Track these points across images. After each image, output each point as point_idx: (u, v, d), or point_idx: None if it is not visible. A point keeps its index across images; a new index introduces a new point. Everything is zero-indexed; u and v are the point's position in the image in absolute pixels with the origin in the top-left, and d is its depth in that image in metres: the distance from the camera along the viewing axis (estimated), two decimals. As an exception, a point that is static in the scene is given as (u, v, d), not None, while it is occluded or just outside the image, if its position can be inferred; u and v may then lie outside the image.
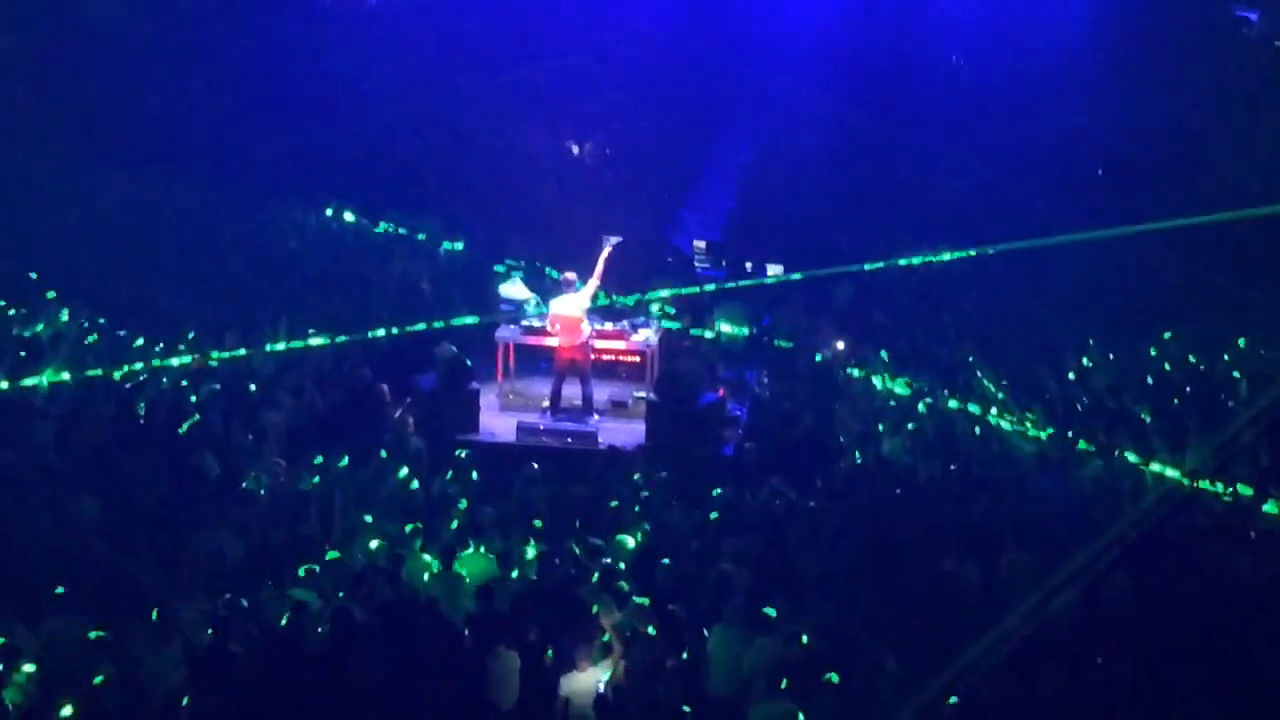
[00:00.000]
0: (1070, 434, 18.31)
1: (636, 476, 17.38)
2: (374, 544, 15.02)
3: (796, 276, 23.56)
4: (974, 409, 19.32)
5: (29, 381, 18.04)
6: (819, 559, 14.79)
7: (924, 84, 29.96)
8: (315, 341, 20.34)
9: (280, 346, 20.19)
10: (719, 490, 16.89)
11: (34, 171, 25.68)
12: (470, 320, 21.37)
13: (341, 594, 13.74)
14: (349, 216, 26.43)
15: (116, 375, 18.75)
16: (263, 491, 16.38)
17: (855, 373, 20.80)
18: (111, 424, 17.75)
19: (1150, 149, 28.11)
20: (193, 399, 18.55)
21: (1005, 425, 18.76)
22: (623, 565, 14.64)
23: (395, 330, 21.07)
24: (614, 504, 16.43)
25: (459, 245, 25.69)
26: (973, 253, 23.58)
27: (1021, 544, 14.94)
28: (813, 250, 25.92)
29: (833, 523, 15.81)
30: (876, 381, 20.67)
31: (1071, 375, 20.59)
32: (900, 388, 20.38)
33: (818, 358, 21.61)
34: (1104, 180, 27.94)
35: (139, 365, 18.98)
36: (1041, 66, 29.42)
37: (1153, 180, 27.33)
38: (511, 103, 29.94)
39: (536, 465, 17.74)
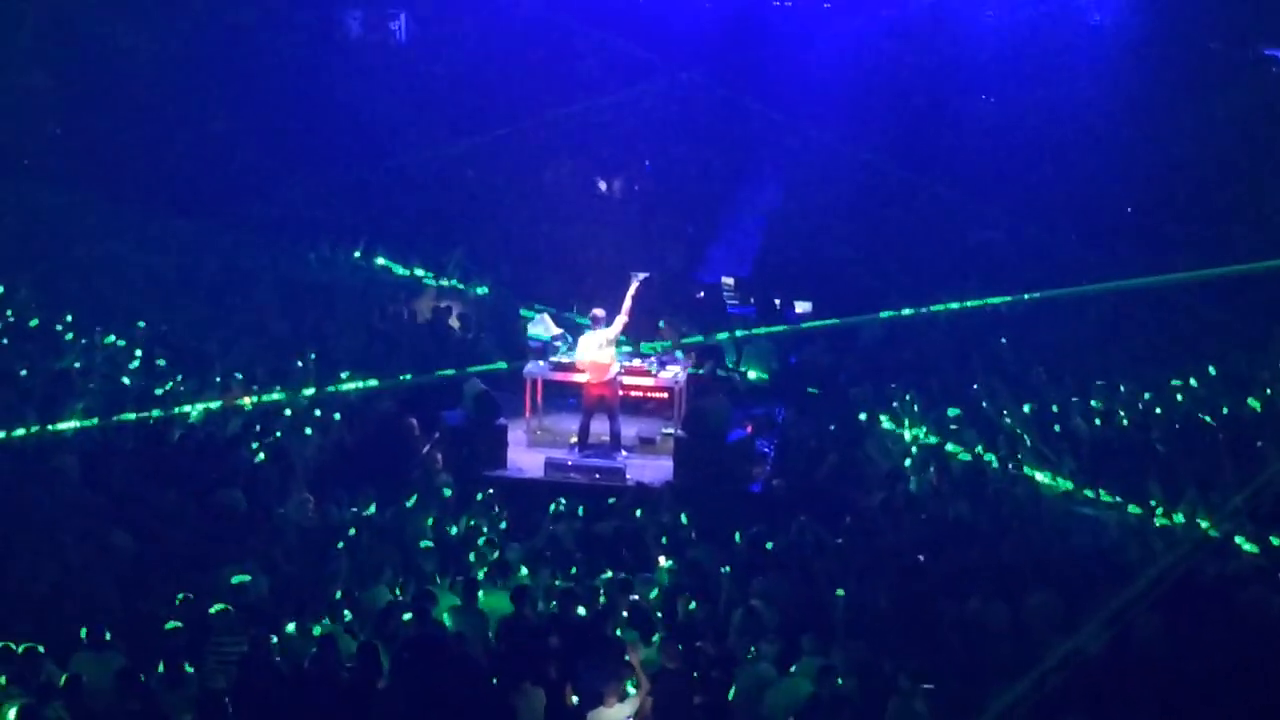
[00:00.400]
0: (1098, 477, 18.16)
1: (664, 513, 17.35)
2: (401, 580, 15.02)
3: (834, 322, 23.49)
4: (1003, 448, 19.18)
5: (60, 426, 18.02)
6: (848, 597, 14.71)
7: (953, 125, 29.93)
8: (346, 385, 20.38)
9: (310, 390, 20.22)
10: (747, 528, 16.83)
11: (61, 207, 25.84)
12: (499, 365, 21.35)
13: (367, 630, 13.73)
14: (378, 252, 26.41)
15: (151, 417, 18.76)
16: (290, 527, 16.40)
17: (884, 418, 20.65)
18: (139, 458, 17.81)
19: (1177, 188, 28.01)
20: (222, 434, 18.61)
21: (1036, 472, 18.53)
22: (650, 602, 14.60)
23: (424, 373, 21.24)
24: (642, 540, 16.39)
25: (484, 289, 25.63)
26: (1003, 299, 23.60)
27: (1050, 584, 14.85)
28: (841, 288, 25.94)
29: (861, 561, 15.75)
30: (905, 419, 20.55)
31: (1098, 421, 20.35)
32: (929, 426, 20.26)
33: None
34: (1133, 220, 27.81)
35: (158, 413, 18.88)
36: (1069, 107, 29.35)
37: (1181, 220, 27.25)
38: (541, 139, 30.01)
39: (564, 501, 17.74)
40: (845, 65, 29.67)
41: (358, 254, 26.32)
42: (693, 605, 14.37)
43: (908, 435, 20.18)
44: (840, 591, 14.67)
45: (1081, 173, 28.04)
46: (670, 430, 20.32)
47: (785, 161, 30.39)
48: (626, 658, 13.11)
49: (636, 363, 20.71)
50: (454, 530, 16.90)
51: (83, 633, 13.08)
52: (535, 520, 17.31)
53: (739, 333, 23.52)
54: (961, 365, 22.71)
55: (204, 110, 28.58)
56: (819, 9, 31.84)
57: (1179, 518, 16.78)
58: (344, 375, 20.73)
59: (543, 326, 21.18)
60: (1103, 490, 17.76)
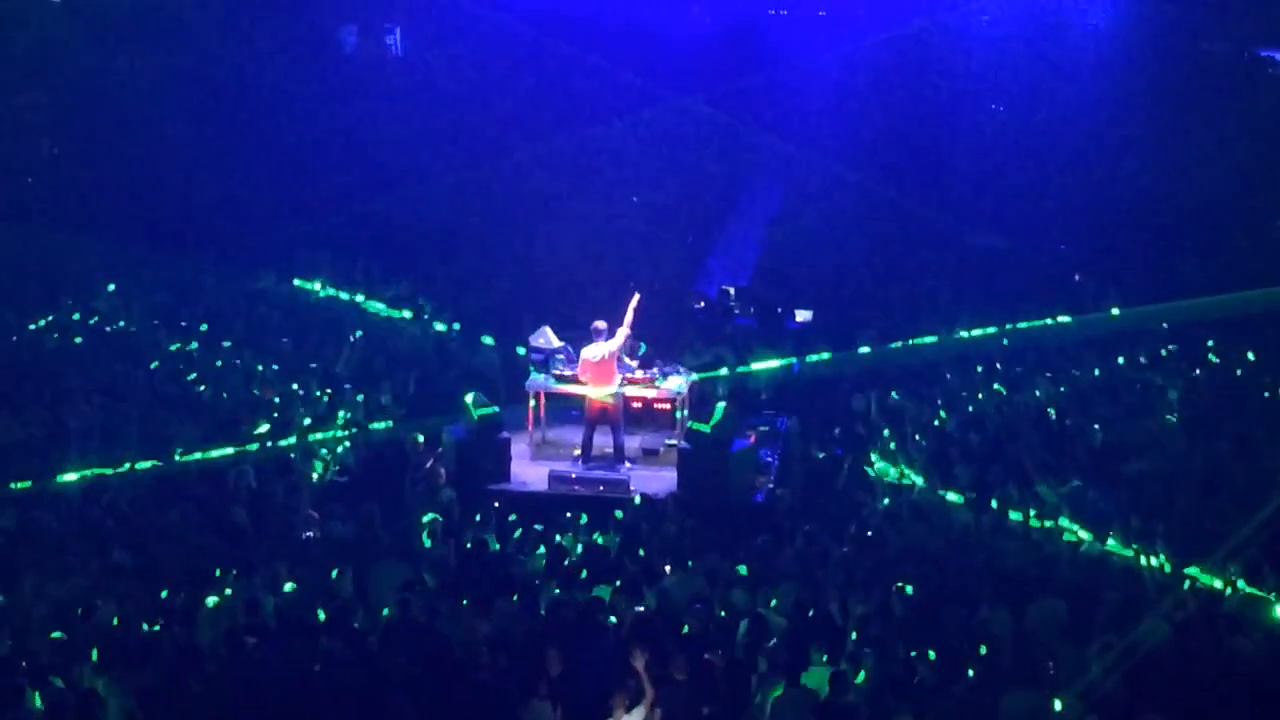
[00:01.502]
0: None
1: (669, 524, 17.34)
2: (405, 595, 14.99)
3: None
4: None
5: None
6: (854, 606, 14.68)
7: (951, 133, 29.97)
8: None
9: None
10: (752, 538, 16.81)
11: (56, 234, 25.93)
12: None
13: (373, 645, 13.71)
14: (376, 272, 26.31)
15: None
16: (295, 543, 16.40)
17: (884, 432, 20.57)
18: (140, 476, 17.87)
19: (1177, 196, 28.03)
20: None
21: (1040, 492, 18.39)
22: (656, 613, 14.58)
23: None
24: (647, 552, 16.38)
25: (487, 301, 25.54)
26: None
27: (1056, 593, 14.82)
28: (842, 296, 25.95)
29: (866, 570, 15.74)
30: (908, 429, 20.50)
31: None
32: (928, 440, 20.19)
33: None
34: (1129, 226, 27.81)
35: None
36: (1067, 116, 29.37)
37: (1182, 229, 27.28)
38: (540, 153, 30.01)
39: (569, 514, 17.72)
40: (843, 76, 29.73)
41: (357, 270, 26.23)
42: (699, 616, 14.35)
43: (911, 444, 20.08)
44: (848, 600, 14.65)
45: (1081, 181, 28.07)
46: (674, 441, 20.33)
47: (784, 171, 30.43)
48: (632, 664, 13.07)
49: (639, 374, 20.69)
50: (458, 544, 16.87)
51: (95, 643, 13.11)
52: (540, 533, 17.28)
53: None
54: (963, 375, 22.67)
55: (197, 128, 28.59)
56: (815, 21, 31.90)
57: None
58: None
59: (544, 339, 21.16)
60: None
